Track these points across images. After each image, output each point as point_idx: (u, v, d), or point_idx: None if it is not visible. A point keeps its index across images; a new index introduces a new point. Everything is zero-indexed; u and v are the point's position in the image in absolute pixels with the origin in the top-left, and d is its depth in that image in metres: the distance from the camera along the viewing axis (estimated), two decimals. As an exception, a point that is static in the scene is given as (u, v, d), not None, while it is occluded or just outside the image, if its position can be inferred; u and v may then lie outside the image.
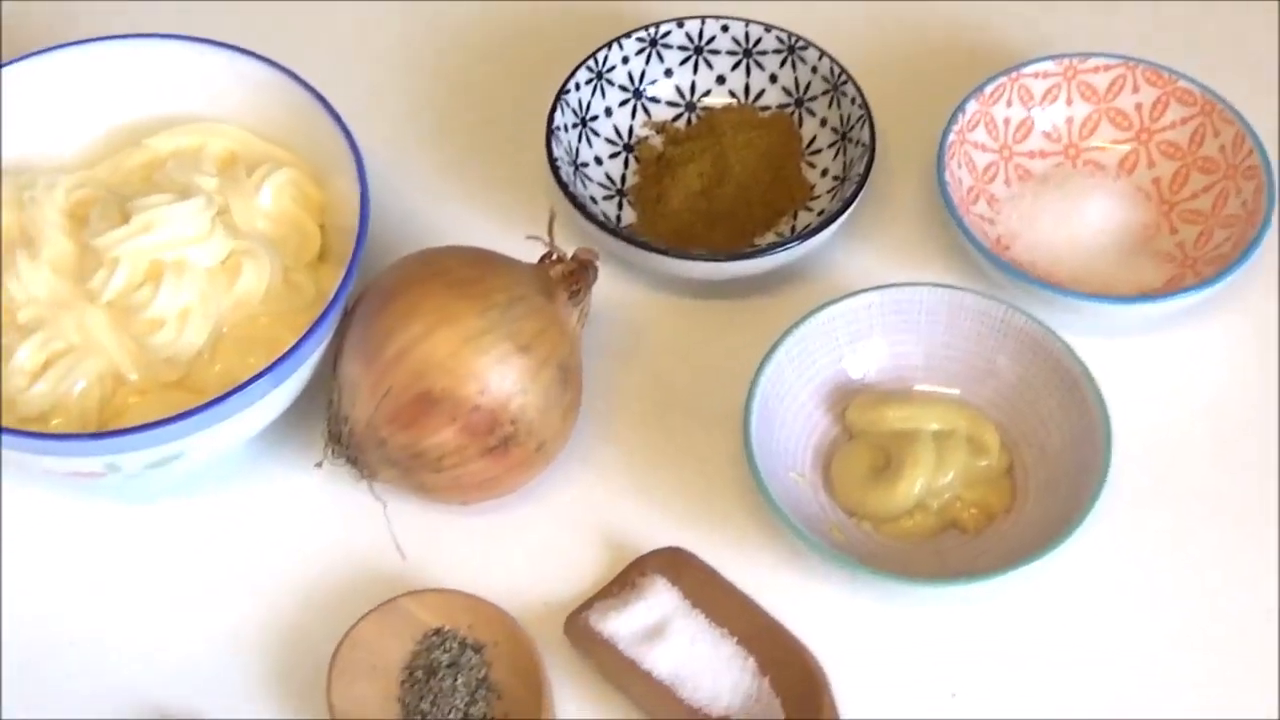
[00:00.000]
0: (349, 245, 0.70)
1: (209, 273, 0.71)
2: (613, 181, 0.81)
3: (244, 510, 0.72)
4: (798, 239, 0.75)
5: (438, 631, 0.68)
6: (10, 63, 0.75)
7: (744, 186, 0.80)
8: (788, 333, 0.72)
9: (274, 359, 0.66)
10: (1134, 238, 0.79)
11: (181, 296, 0.70)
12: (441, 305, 0.67)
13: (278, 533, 0.72)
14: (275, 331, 0.70)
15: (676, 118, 0.83)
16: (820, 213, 0.79)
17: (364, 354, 0.68)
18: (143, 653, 0.68)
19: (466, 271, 0.69)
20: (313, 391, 0.71)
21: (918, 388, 0.74)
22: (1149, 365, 0.76)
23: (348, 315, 0.70)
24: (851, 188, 0.77)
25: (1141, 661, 0.68)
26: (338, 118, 0.73)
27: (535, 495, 0.72)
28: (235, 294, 0.71)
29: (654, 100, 0.83)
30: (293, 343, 0.67)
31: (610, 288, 0.75)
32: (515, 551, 0.71)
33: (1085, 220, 0.79)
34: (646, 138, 0.83)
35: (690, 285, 0.78)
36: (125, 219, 0.70)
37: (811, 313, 0.73)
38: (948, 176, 0.77)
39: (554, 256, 0.71)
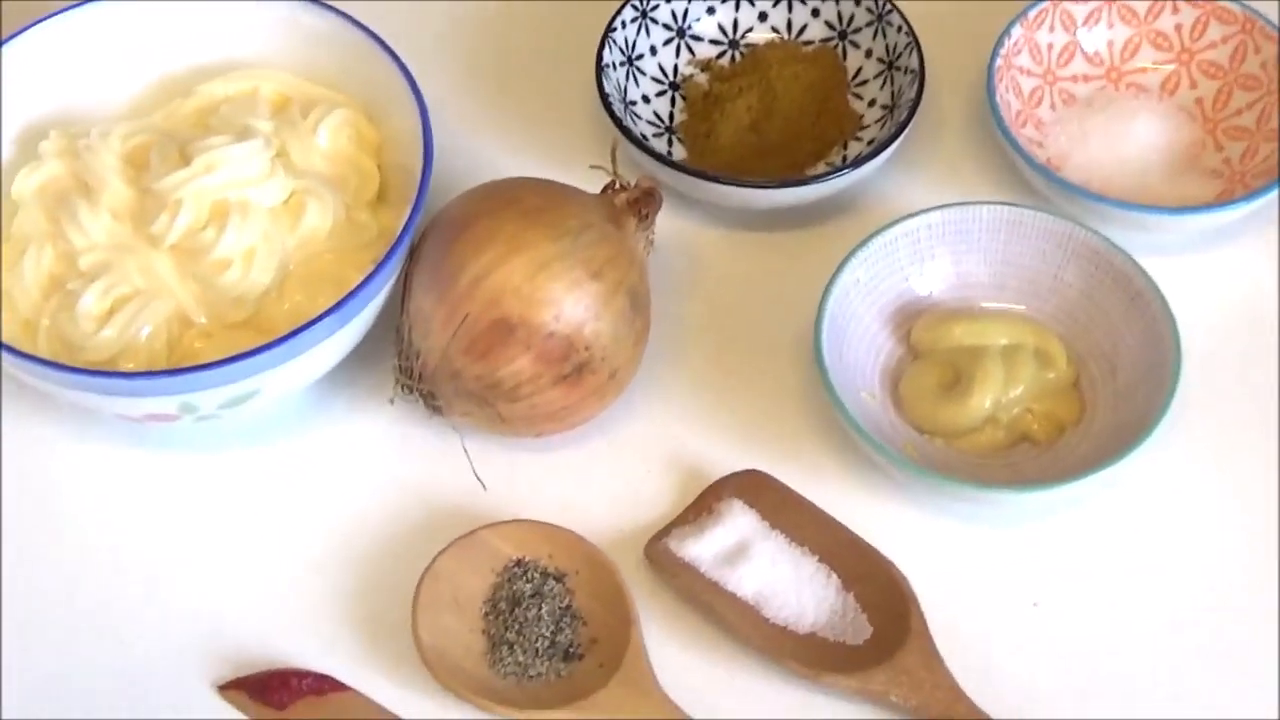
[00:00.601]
0: (406, 184, 0.71)
1: (272, 212, 0.70)
2: (661, 119, 0.81)
3: (315, 453, 0.72)
4: (853, 165, 0.75)
5: (518, 562, 0.68)
6: (59, 13, 0.74)
7: (792, 120, 0.80)
8: (852, 254, 0.72)
9: (342, 296, 0.66)
10: (1181, 156, 0.80)
11: (246, 236, 0.69)
12: (514, 233, 0.67)
13: (351, 474, 0.71)
14: (341, 269, 0.70)
15: (720, 55, 0.83)
16: (870, 142, 0.79)
17: (436, 285, 0.68)
18: (226, 600, 0.68)
19: (535, 200, 0.69)
20: (377, 333, 0.71)
21: (983, 305, 0.74)
22: (1204, 279, 0.76)
23: (414, 250, 0.69)
24: (903, 113, 0.77)
25: (1213, 567, 0.69)
26: (395, 56, 0.73)
27: (607, 425, 0.71)
28: (299, 233, 0.70)
29: (697, 39, 0.83)
30: (360, 279, 0.67)
31: (667, 222, 0.75)
32: (590, 482, 0.71)
33: (1132, 141, 0.79)
34: (691, 75, 0.83)
35: (746, 217, 0.78)
36: (185, 162, 0.70)
37: (874, 234, 0.73)
38: (998, 99, 0.77)
39: (618, 185, 0.71)
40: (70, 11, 0.74)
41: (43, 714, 0.65)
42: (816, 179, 0.76)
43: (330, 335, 0.67)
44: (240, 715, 0.65)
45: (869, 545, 0.68)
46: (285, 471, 0.71)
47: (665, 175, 0.76)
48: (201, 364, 0.65)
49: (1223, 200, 0.77)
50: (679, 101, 0.82)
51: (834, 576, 0.67)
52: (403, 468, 0.71)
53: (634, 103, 0.80)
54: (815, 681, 0.65)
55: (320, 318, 0.66)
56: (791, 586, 0.67)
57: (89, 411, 0.70)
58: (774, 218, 0.78)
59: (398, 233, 0.68)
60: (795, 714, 0.65)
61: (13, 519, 0.70)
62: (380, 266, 0.67)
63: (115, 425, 0.71)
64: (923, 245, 0.74)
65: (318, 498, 0.71)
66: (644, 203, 0.71)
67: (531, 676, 0.65)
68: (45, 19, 0.74)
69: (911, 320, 0.74)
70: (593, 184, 0.71)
